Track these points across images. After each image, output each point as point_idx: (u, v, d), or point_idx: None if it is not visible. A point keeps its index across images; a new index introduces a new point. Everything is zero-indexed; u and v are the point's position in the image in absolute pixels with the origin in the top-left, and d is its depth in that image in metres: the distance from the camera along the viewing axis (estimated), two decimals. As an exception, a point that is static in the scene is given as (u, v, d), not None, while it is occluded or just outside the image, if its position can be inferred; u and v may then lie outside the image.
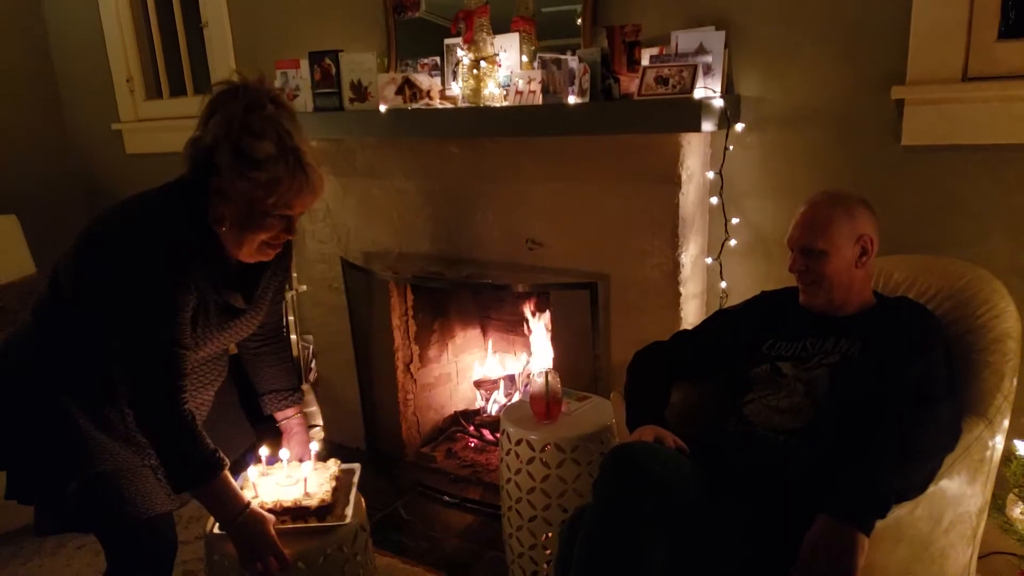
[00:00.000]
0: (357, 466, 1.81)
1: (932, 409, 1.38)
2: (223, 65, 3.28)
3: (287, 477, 1.71)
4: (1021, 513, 1.69)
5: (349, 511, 1.64)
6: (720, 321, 1.82)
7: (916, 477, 1.32)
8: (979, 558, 1.57)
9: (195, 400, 1.58)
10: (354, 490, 1.72)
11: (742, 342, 1.70)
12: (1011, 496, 1.72)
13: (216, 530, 1.60)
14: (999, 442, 1.50)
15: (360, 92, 2.42)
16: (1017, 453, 1.70)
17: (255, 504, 1.56)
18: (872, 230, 1.58)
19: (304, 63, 2.54)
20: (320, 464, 1.76)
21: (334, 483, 1.69)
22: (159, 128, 3.67)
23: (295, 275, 3.09)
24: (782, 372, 1.59)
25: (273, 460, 1.76)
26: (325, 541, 1.58)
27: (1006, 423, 1.53)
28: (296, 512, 1.60)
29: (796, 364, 1.58)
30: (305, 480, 1.66)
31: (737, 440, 1.56)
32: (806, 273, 1.59)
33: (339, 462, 1.79)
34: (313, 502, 1.61)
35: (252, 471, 1.69)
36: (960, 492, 1.40)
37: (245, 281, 1.59)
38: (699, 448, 1.54)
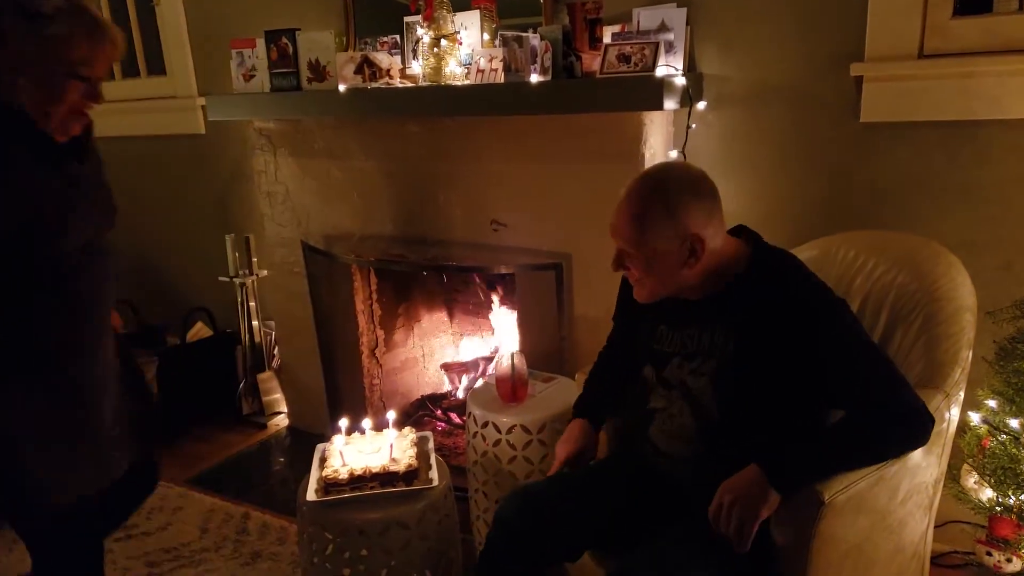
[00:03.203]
0: (429, 434, 1.91)
1: (903, 413, 1.29)
2: (176, 45, 3.19)
3: (369, 445, 1.82)
4: (975, 483, 1.73)
5: (434, 475, 1.74)
6: (621, 310, 1.64)
7: (861, 466, 1.30)
8: (936, 527, 1.61)
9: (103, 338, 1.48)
10: (433, 455, 1.82)
11: (639, 327, 1.54)
12: (965, 466, 1.76)
13: (310, 498, 1.67)
14: (955, 414, 1.53)
15: (318, 71, 2.37)
16: (971, 424, 1.74)
17: (344, 472, 1.69)
18: (701, 225, 1.30)
19: (260, 42, 2.48)
20: (398, 432, 1.86)
21: (415, 449, 1.79)
22: (111, 110, 3.54)
23: (255, 260, 3.04)
24: (668, 382, 1.47)
25: (354, 430, 1.86)
26: (419, 503, 1.68)
27: (961, 395, 1.56)
28: (385, 478, 1.70)
29: (680, 365, 1.45)
30: (391, 447, 1.76)
31: (647, 478, 1.50)
32: (628, 273, 1.41)
33: (414, 430, 1.89)
34: (400, 467, 1.72)
35: (337, 440, 1.80)
36: (917, 463, 1.42)
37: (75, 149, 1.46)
38: (625, 474, 1.54)
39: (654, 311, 1.49)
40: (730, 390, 1.37)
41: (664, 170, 1.38)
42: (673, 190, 1.31)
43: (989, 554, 1.70)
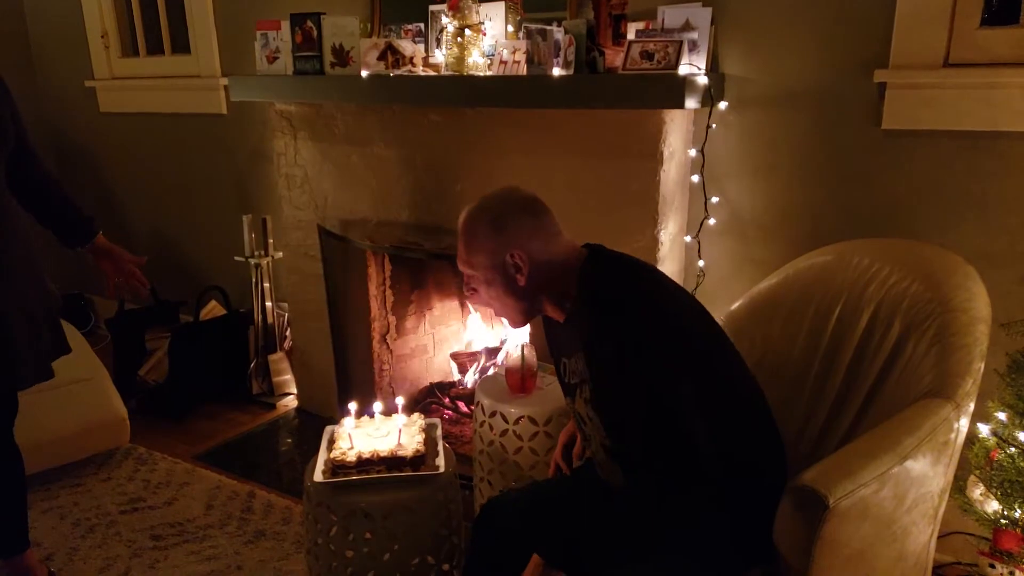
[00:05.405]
0: (437, 421, 1.94)
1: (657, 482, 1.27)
2: (202, 24, 3.21)
3: (378, 429, 1.85)
4: (981, 495, 1.73)
5: (441, 461, 1.76)
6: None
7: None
8: (939, 537, 1.61)
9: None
10: (440, 442, 1.84)
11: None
12: (972, 478, 1.76)
13: (317, 479, 1.72)
14: (964, 425, 1.53)
15: (342, 56, 2.38)
16: (980, 436, 1.73)
17: (352, 454, 1.74)
18: (523, 241, 1.34)
19: (285, 24, 2.49)
20: (407, 418, 1.88)
21: (423, 435, 1.82)
22: (135, 87, 3.59)
23: (271, 241, 3.06)
24: (575, 414, 1.48)
25: (363, 413, 1.90)
26: (425, 489, 1.70)
27: (972, 406, 1.55)
28: (392, 462, 1.73)
29: (580, 394, 1.42)
30: (399, 432, 1.79)
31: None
32: (475, 296, 1.42)
33: (423, 416, 1.91)
34: (408, 452, 1.75)
35: (347, 423, 1.84)
36: (924, 472, 1.42)
37: None
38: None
39: (556, 344, 1.50)
40: (606, 413, 1.35)
41: (494, 194, 1.42)
42: (497, 209, 1.37)
43: (992, 566, 1.69)
